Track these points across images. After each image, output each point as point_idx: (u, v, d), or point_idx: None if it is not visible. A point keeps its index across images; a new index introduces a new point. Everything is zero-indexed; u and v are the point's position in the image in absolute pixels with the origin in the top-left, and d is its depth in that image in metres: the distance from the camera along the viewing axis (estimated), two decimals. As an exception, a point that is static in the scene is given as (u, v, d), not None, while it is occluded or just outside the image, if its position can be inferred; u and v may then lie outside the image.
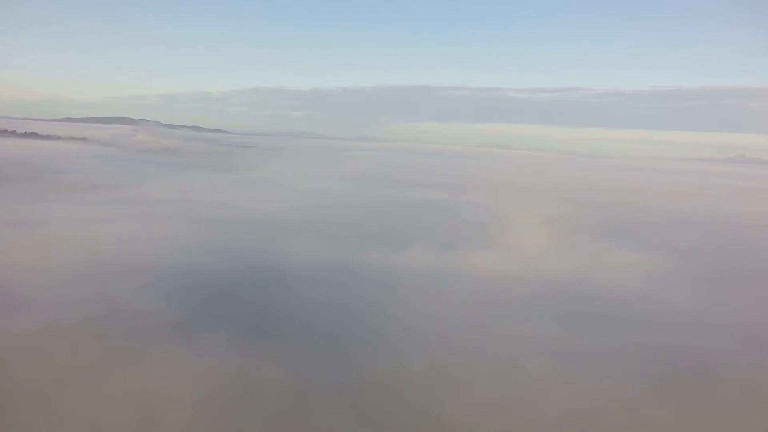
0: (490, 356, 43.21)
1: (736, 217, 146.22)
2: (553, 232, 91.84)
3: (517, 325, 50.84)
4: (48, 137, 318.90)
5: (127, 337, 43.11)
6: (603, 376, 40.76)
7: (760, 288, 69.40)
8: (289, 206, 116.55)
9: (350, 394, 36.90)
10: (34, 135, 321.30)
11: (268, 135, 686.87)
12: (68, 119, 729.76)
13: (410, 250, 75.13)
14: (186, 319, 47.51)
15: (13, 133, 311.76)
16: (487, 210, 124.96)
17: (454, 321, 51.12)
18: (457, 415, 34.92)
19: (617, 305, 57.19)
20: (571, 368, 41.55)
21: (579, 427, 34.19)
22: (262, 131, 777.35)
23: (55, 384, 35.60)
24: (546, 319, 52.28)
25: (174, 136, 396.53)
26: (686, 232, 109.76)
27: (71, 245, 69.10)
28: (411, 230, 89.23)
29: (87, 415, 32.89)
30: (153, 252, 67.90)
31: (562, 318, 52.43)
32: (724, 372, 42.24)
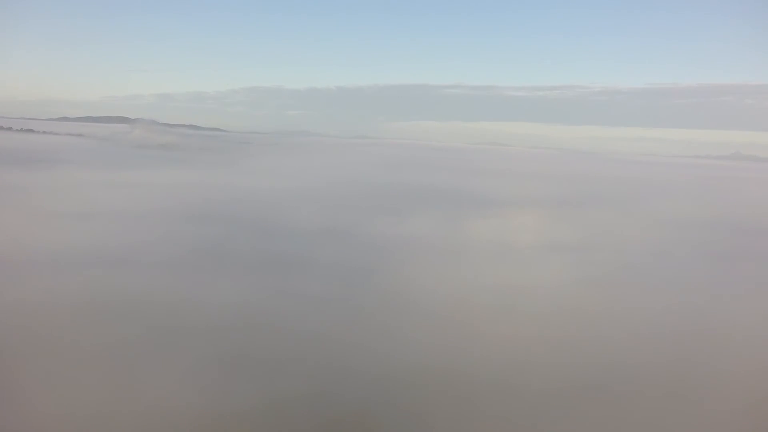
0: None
1: (727, 200, 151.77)
2: (556, 211, 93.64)
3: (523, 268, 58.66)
4: (45, 133, 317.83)
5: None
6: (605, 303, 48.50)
7: (740, 252, 77.80)
8: (288, 186, 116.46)
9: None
10: (30, 131, 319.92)
11: (265, 133, 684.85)
12: (64, 119, 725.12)
13: (415, 220, 77.09)
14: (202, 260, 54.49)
15: (9, 130, 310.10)
16: (496, 192, 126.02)
17: (457, 276, 56.19)
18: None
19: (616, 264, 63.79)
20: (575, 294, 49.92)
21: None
22: (259, 130, 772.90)
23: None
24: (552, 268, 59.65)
25: (171, 133, 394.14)
26: (679, 211, 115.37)
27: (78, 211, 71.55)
28: (413, 205, 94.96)
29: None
30: (162, 217, 71.92)
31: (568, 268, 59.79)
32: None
